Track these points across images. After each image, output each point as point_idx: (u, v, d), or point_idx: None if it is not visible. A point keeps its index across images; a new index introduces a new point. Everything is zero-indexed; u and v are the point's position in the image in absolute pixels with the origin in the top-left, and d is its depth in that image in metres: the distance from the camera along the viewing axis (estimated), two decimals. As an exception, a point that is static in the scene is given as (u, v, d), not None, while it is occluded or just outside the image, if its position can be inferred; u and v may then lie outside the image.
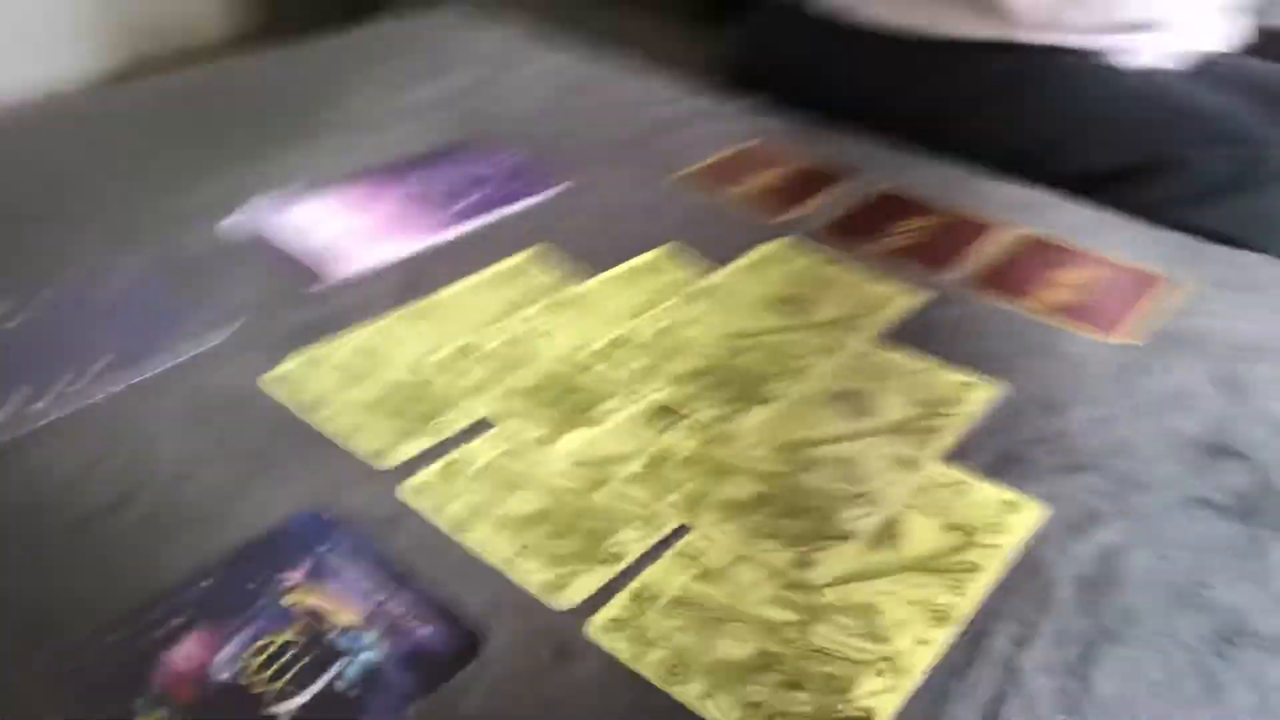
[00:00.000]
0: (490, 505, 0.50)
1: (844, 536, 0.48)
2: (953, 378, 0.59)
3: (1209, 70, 0.98)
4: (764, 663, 0.42)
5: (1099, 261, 0.70)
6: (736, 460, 0.53)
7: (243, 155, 0.84)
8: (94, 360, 0.60)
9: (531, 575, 0.46)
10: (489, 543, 0.48)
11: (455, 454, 0.53)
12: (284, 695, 0.41)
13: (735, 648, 0.43)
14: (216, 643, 0.43)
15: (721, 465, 0.52)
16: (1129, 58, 0.93)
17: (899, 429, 0.55)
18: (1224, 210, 0.82)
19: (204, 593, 0.45)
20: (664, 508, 0.50)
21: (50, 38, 1.97)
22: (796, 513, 0.49)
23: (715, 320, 0.64)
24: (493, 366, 0.59)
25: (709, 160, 0.85)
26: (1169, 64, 0.98)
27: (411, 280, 0.68)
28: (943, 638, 0.43)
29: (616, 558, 0.47)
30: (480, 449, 0.53)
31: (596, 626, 0.44)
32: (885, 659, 0.42)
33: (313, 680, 0.41)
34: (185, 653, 0.42)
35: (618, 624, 0.44)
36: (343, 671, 0.42)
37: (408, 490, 0.51)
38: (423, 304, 0.65)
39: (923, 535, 0.48)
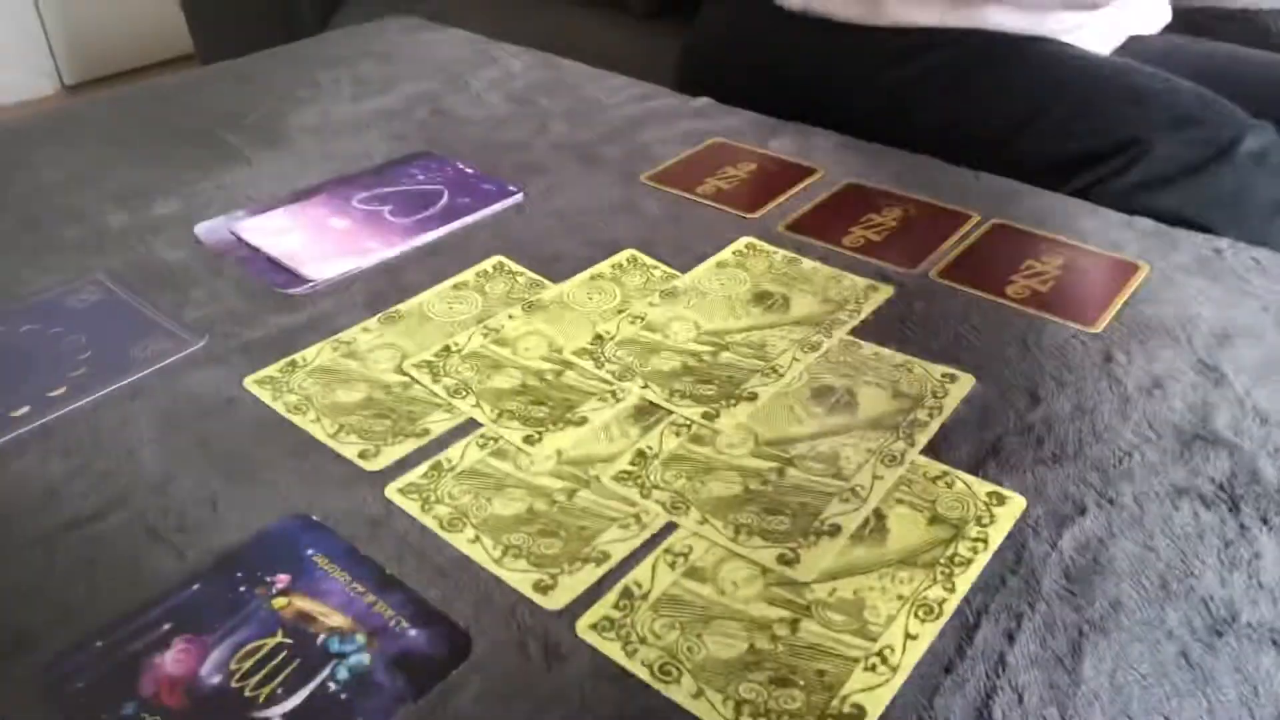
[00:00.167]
0: (476, 506, 0.50)
1: (831, 532, 0.48)
2: (932, 370, 0.59)
3: (1147, 51, 0.98)
4: (754, 660, 0.42)
5: (1072, 249, 0.71)
6: (720, 458, 0.53)
7: (200, 166, 0.84)
8: (71, 368, 0.60)
9: (520, 576, 0.46)
10: (477, 544, 0.48)
11: (441, 456, 0.53)
12: (273, 700, 0.41)
13: (725, 646, 0.43)
14: (205, 648, 0.43)
15: (706, 463, 0.52)
16: (1070, 38, 0.94)
17: (880, 423, 0.55)
18: (1185, 193, 0.82)
19: (191, 598, 0.45)
20: (650, 506, 0.50)
21: (7, 55, 1.98)
22: (782, 509, 0.49)
23: (691, 320, 0.64)
24: (474, 369, 0.59)
25: (672, 160, 0.84)
26: (1106, 48, 0.98)
27: (381, 289, 0.68)
28: (932, 632, 0.43)
29: (604, 557, 0.47)
30: (465, 450, 0.53)
31: (585, 626, 0.44)
32: (875, 654, 0.42)
33: (303, 684, 0.41)
34: (173, 658, 0.42)
35: (607, 623, 0.44)
36: (332, 675, 0.42)
37: (394, 492, 0.51)
38: (395, 310, 0.65)
39: (909, 529, 0.48)
